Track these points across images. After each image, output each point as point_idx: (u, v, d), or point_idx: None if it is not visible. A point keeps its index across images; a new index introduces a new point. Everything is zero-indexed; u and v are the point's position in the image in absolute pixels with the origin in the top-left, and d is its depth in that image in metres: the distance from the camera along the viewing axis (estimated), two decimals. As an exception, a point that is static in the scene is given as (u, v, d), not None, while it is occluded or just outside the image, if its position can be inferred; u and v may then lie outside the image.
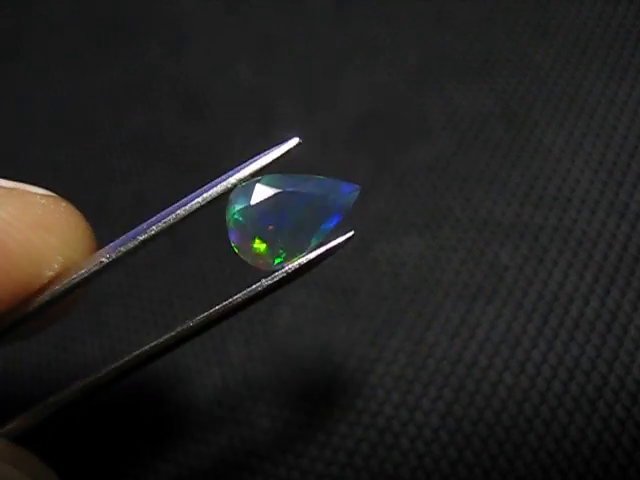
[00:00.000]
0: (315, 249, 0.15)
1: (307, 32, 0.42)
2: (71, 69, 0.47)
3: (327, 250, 0.15)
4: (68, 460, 0.22)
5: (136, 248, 0.15)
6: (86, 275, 0.15)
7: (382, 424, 0.25)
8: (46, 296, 0.15)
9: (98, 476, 0.27)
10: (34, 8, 0.52)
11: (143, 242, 0.15)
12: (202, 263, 0.32)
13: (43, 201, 0.15)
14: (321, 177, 0.15)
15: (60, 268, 0.15)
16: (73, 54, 0.48)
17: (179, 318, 0.31)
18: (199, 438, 0.27)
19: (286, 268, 0.15)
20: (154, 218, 0.15)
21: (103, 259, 0.15)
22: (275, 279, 0.15)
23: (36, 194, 0.15)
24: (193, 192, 0.15)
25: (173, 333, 0.16)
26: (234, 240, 0.15)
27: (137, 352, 0.16)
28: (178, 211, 0.15)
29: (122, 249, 0.15)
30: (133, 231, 0.15)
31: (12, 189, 0.15)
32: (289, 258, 0.15)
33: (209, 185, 0.15)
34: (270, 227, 0.15)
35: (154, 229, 0.15)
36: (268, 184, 0.15)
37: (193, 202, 0.15)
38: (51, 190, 0.16)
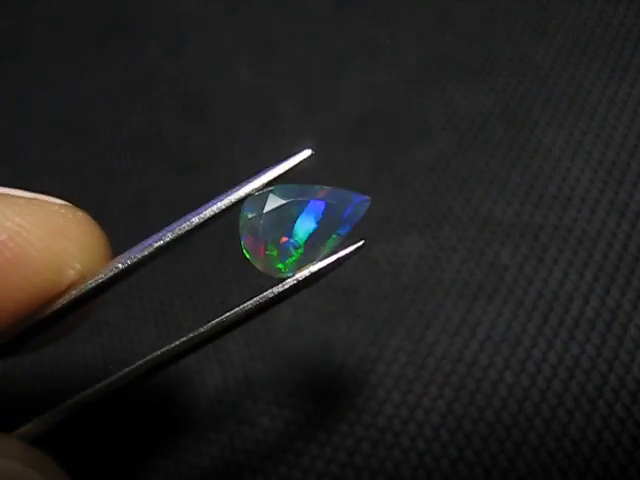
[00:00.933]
0: (325, 258, 0.15)
1: (307, 32, 0.42)
2: (71, 69, 0.47)
3: (337, 259, 0.15)
4: (68, 457, 0.22)
5: (151, 255, 0.15)
6: (102, 281, 0.15)
7: (383, 423, 0.25)
8: (65, 303, 0.15)
9: (97, 472, 0.27)
10: (34, 8, 0.52)
11: (158, 249, 0.15)
12: (203, 264, 0.32)
13: (62, 211, 0.15)
14: (332, 187, 0.16)
15: (78, 275, 0.15)
16: (73, 54, 0.48)
17: (179, 318, 0.31)
18: (200, 436, 0.27)
19: (297, 276, 0.15)
20: (169, 227, 0.16)
21: (119, 265, 0.15)
22: (285, 287, 0.15)
23: (55, 204, 0.15)
24: (208, 201, 0.15)
25: (184, 339, 0.16)
26: (246, 247, 0.16)
27: (152, 356, 0.16)
28: (193, 219, 0.15)
29: (137, 256, 0.15)
30: (148, 239, 0.15)
31: (32, 199, 0.15)
32: (300, 266, 0.15)
33: (224, 194, 0.15)
34: (282, 235, 0.15)
35: (169, 236, 0.15)
36: (281, 193, 0.15)
37: (208, 210, 0.15)
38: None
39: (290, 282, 0.15)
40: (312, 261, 0.15)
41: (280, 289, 0.15)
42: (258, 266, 0.16)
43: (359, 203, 0.16)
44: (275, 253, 0.15)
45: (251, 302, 0.15)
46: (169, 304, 0.31)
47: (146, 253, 0.15)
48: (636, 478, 0.22)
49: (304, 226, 0.15)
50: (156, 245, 0.15)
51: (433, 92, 0.35)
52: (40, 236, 0.15)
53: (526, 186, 0.30)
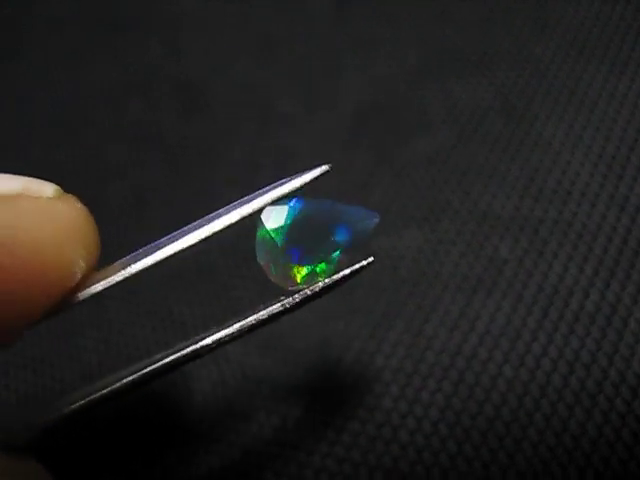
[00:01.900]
0: (335, 272, 0.16)
1: (307, 32, 0.42)
2: (71, 69, 0.47)
3: (349, 273, 0.16)
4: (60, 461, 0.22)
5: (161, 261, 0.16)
6: (114, 283, 0.16)
7: (380, 417, 0.25)
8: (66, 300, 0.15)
9: (89, 467, 0.27)
10: (34, 8, 0.52)
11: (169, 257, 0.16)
12: (198, 256, 0.32)
13: (74, 213, 0.16)
14: (344, 204, 0.17)
15: (84, 273, 0.15)
16: (73, 54, 0.48)
17: (174, 312, 0.30)
18: (192, 431, 0.27)
19: (309, 289, 0.16)
20: (179, 232, 0.16)
21: (130, 268, 0.16)
22: (297, 300, 0.16)
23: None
24: (224, 209, 0.16)
25: (196, 346, 0.16)
26: (261, 257, 0.16)
27: (158, 360, 0.16)
28: (208, 226, 0.16)
29: (148, 262, 0.16)
30: (154, 243, 0.16)
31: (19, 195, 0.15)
32: (311, 279, 0.16)
33: (239, 202, 0.16)
34: (295, 248, 0.16)
35: (181, 245, 0.16)
36: (296, 206, 0.16)
37: (223, 219, 0.16)
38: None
39: (301, 295, 0.16)
40: (324, 274, 0.16)
41: (292, 301, 0.16)
42: (272, 278, 0.16)
43: (368, 219, 0.17)
44: (289, 265, 0.16)
45: (265, 312, 0.16)
46: (163, 297, 0.31)
47: (150, 263, 0.16)
48: (637, 473, 0.22)
49: (316, 240, 0.16)
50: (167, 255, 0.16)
51: (433, 85, 0.35)
52: (47, 232, 0.14)
53: (526, 180, 0.30)
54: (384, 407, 0.25)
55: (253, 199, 0.16)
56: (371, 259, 0.16)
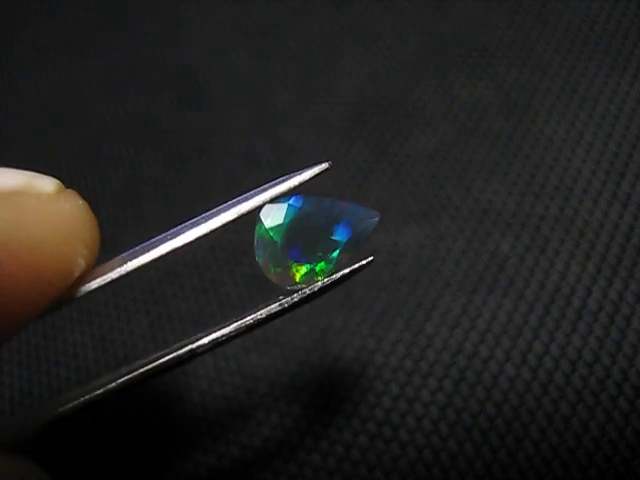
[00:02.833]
0: (335, 271, 0.16)
1: (305, 21, 0.42)
2: (66, 56, 0.46)
3: (349, 272, 0.16)
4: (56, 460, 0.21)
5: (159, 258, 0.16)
6: (114, 278, 0.15)
7: (380, 416, 0.25)
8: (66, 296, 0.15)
9: (85, 466, 0.27)
10: None
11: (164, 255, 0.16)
12: (195, 251, 0.32)
13: (75, 211, 0.15)
14: (344, 201, 0.16)
15: (84, 268, 0.15)
16: (68, 41, 0.48)
17: (171, 308, 0.30)
18: (191, 429, 0.26)
19: (308, 288, 0.16)
20: (178, 228, 0.16)
21: (128, 263, 0.15)
22: (295, 299, 0.16)
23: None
24: (222, 206, 0.16)
25: (193, 346, 0.16)
26: (259, 255, 0.16)
27: (154, 361, 0.16)
28: (206, 224, 0.16)
29: (147, 258, 0.15)
30: (151, 240, 0.16)
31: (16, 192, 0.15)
32: (310, 278, 0.16)
33: (237, 200, 0.16)
34: (294, 246, 0.16)
35: (179, 242, 0.15)
36: (295, 204, 0.16)
37: (222, 217, 0.15)
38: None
39: (300, 295, 0.16)
40: (324, 273, 0.16)
41: (291, 300, 0.16)
42: (271, 277, 0.16)
43: (369, 218, 0.16)
44: (288, 264, 0.16)
45: (264, 311, 0.16)
46: (160, 294, 0.31)
47: (154, 256, 0.15)
48: (639, 471, 0.22)
49: (316, 238, 0.16)
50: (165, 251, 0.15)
51: (433, 81, 0.35)
52: (48, 231, 0.14)
53: (527, 176, 0.30)
54: (384, 405, 0.25)
55: (252, 197, 0.16)
56: (371, 258, 0.16)
